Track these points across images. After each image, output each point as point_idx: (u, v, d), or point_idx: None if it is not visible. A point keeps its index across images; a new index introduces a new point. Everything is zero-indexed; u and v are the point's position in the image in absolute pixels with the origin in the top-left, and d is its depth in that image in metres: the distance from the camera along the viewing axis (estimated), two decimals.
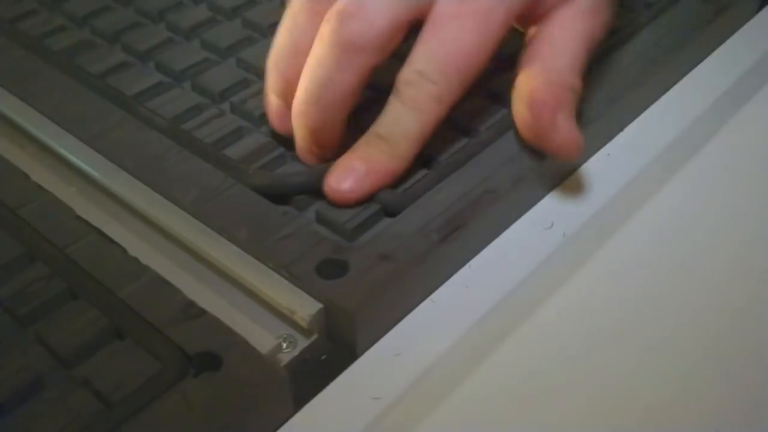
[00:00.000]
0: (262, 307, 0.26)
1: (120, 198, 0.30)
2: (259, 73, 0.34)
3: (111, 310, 0.25)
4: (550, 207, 0.31)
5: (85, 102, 0.33)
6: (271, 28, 0.34)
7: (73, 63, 0.35)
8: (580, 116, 0.30)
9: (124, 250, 0.27)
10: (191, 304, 0.26)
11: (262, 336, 0.26)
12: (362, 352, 0.26)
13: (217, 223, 0.28)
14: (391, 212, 0.28)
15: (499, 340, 0.26)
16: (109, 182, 0.30)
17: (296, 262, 0.26)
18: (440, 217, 0.28)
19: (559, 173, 0.31)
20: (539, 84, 0.29)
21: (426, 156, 0.30)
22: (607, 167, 0.32)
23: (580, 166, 0.32)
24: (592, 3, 0.31)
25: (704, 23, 0.36)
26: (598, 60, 0.34)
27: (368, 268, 0.26)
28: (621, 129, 0.33)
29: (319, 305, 0.26)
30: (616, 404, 0.25)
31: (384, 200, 0.29)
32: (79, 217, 0.29)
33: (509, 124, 0.31)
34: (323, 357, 0.26)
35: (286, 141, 0.31)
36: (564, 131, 0.29)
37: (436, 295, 0.28)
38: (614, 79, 0.33)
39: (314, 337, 0.26)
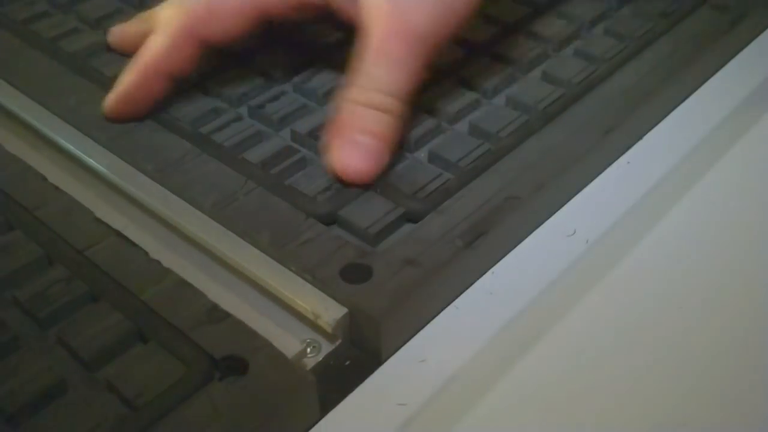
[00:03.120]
0: (285, 311, 0.26)
1: (139, 201, 0.29)
2: (276, 78, 0.34)
3: (133, 313, 0.25)
4: (573, 214, 0.30)
5: (101, 104, 0.33)
6: None
7: (88, 65, 0.35)
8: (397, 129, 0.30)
9: (146, 253, 0.27)
10: (215, 308, 0.25)
11: (286, 340, 0.25)
12: (387, 358, 0.26)
13: (238, 226, 0.28)
14: (413, 218, 0.28)
15: (524, 347, 0.26)
16: (128, 185, 0.30)
17: (320, 266, 0.26)
18: (464, 223, 0.28)
19: (581, 180, 0.31)
20: (340, 99, 0.30)
21: (447, 161, 0.30)
22: (627, 174, 0.32)
23: (601, 173, 0.32)
24: None
25: (721, 33, 0.36)
26: (616, 68, 0.34)
27: (393, 273, 0.26)
28: (640, 137, 0.33)
29: (344, 310, 0.25)
30: (640, 410, 0.25)
31: (407, 205, 0.28)
32: (98, 220, 0.28)
33: (530, 130, 0.31)
34: (347, 362, 0.26)
35: (304, 143, 0.31)
36: (337, 153, 0.29)
37: (460, 301, 0.27)
38: (633, 87, 0.33)
39: (338, 342, 0.26)
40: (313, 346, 0.26)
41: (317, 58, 0.35)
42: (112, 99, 0.32)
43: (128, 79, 0.32)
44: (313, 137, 0.31)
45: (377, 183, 0.29)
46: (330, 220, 0.28)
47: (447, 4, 0.30)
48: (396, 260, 0.26)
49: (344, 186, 0.29)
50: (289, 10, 0.32)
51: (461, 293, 0.28)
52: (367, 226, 0.28)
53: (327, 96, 0.33)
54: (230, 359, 0.24)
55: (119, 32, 0.36)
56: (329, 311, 0.25)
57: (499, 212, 0.28)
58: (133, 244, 0.27)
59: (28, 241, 0.27)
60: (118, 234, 0.28)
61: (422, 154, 0.31)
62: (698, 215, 0.31)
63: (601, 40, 0.36)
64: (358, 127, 0.29)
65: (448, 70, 0.34)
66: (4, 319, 0.25)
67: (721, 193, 0.32)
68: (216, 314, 0.25)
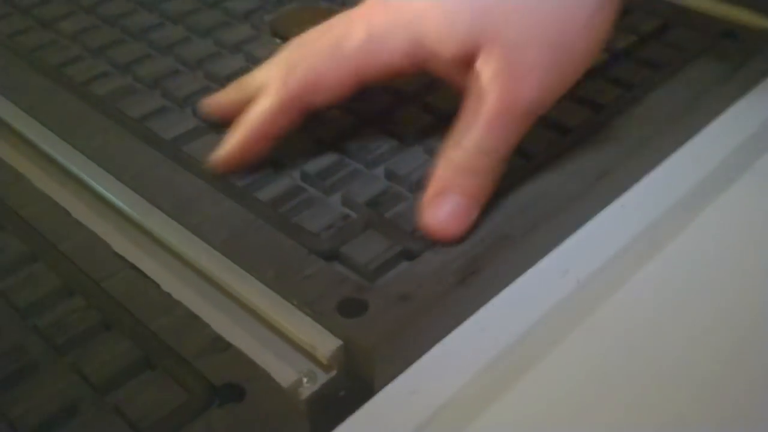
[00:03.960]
0: (285, 343, 0.28)
1: (155, 236, 0.31)
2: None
3: (143, 342, 0.27)
4: (566, 254, 0.32)
5: (125, 144, 0.35)
6: None
7: (114, 107, 0.37)
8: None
9: (158, 285, 0.29)
10: (218, 338, 0.27)
11: (284, 370, 0.27)
12: (379, 389, 0.27)
13: (245, 261, 0.29)
14: (410, 255, 0.30)
15: (513, 382, 0.27)
16: (145, 221, 0.32)
17: (319, 300, 0.28)
18: (458, 261, 0.29)
19: (574, 222, 0.32)
20: (440, 160, 0.31)
21: None
22: (621, 217, 0.33)
23: (594, 216, 0.33)
24: (509, 65, 0.31)
25: (721, 81, 0.37)
26: (615, 114, 0.35)
27: (387, 307, 0.28)
28: (636, 181, 0.34)
29: (339, 342, 0.27)
30: None
31: (405, 244, 0.30)
32: (116, 253, 0.30)
33: (526, 173, 0.33)
34: (342, 393, 0.27)
35: (313, 183, 0.33)
36: (432, 211, 0.30)
37: (452, 336, 0.29)
38: (629, 133, 0.35)
39: (334, 373, 0.27)
40: (310, 377, 0.27)
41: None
42: (221, 158, 0.33)
43: (237, 140, 0.33)
44: (321, 177, 0.33)
45: (377, 221, 0.31)
46: (332, 256, 0.30)
47: (559, 75, 0.31)
48: (391, 295, 0.28)
49: (348, 225, 0.31)
50: (388, 77, 0.33)
51: (454, 329, 0.29)
52: (366, 262, 0.29)
53: (336, 138, 0.35)
54: (229, 387, 0.25)
55: (216, 103, 0.37)
56: (325, 343, 0.27)
57: (492, 251, 0.30)
58: (147, 277, 0.29)
59: (50, 272, 0.29)
60: (134, 267, 0.30)
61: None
62: (689, 259, 0.32)
63: (601, 86, 0.37)
64: (457, 188, 0.31)
65: (447, 117, 0.36)
66: (24, 344, 0.27)
67: (711, 238, 0.33)
68: (219, 344, 0.27)
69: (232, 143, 0.33)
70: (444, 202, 0.30)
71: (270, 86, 0.33)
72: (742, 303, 0.30)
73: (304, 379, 0.27)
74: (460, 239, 0.30)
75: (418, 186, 0.32)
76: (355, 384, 0.27)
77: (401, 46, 0.32)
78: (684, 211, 0.33)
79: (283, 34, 0.41)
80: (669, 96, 0.37)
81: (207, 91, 0.38)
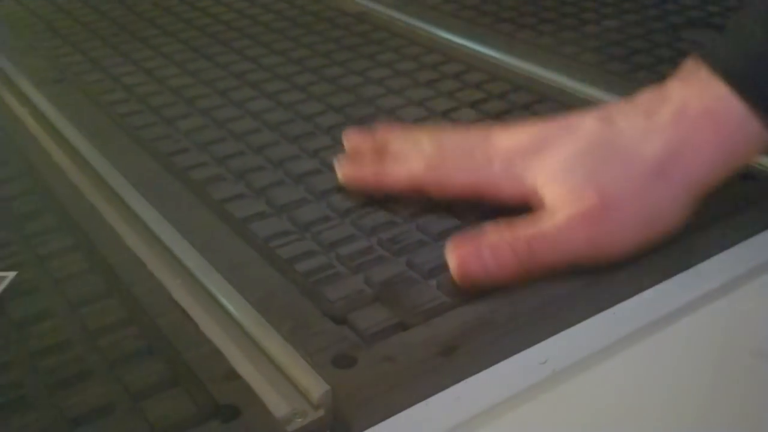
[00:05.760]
0: (286, 382, 0.33)
1: (206, 289, 0.38)
2: (337, 212, 0.43)
3: (174, 366, 0.33)
4: (548, 346, 0.36)
5: (204, 219, 0.43)
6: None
7: (204, 189, 0.45)
8: None
9: (197, 326, 0.36)
10: (232, 371, 0.33)
11: (280, 404, 0.32)
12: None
13: (270, 315, 0.36)
14: (405, 327, 0.35)
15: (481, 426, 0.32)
16: (203, 277, 0.39)
17: (318, 353, 0.34)
18: (443, 336, 0.34)
19: (559, 322, 0.37)
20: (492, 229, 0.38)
21: (450, 289, 0.37)
22: (612, 323, 0.37)
23: (586, 319, 0.37)
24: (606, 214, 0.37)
25: (730, 217, 0.41)
26: None
27: (373, 365, 0.33)
28: (631, 295, 0.38)
29: (328, 387, 0.32)
30: None
31: (402, 317, 0.35)
32: (173, 299, 0.37)
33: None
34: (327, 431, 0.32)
35: (344, 262, 0.39)
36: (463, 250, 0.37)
37: (428, 400, 0.33)
38: None
39: (321, 413, 0.32)
40: (301, 413, 0.32)
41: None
42: (353, 177, 0.44)
43: (364, 174, 0.44)
44: (350, 259, 0.39)
45: (385, 297, 0.36)
46: (340, 320, 0.36)
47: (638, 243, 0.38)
48: (378, 356, 0.33)
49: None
50: (495, 198, 0.41)
51: (432, 395, 0.34)
52: (365, 328, 0.35)
53: (371, 230, 0.41)
54: (230, 408, 0.31)
55: (356, 136, 0.47)
56: (317, 387, 0.33)
57: (475, 332, 0.35)
58: (190, 318, 0.36)
59: (120, 306, 0.37)
60: (183, 310, 0.37)
61: (433, 281, 0.38)
62: (672, 366, 0.35)
63: None
64: (491, 248, 0.37)
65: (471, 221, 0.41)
66: (85, 357, 0.34)
67: (700, 349, 0.36)
68: (231, 375, 0.33)
69: (363, 173, 0.44)
70: (477, 245, 0.37)
71: (411, 164, 0.43)
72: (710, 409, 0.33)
73: (296, 415, 0.32)
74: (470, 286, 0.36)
75: (432, 275, 0.38)
76: (337, 425, 0.32)
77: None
78: (670, 325, 0.37)
79: None
80: None
81: (281, 184, 0.46)
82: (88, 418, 0.31)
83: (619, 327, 0.37)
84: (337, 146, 0.49)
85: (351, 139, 0.47)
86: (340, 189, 0.45)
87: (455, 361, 0.34)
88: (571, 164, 0.39)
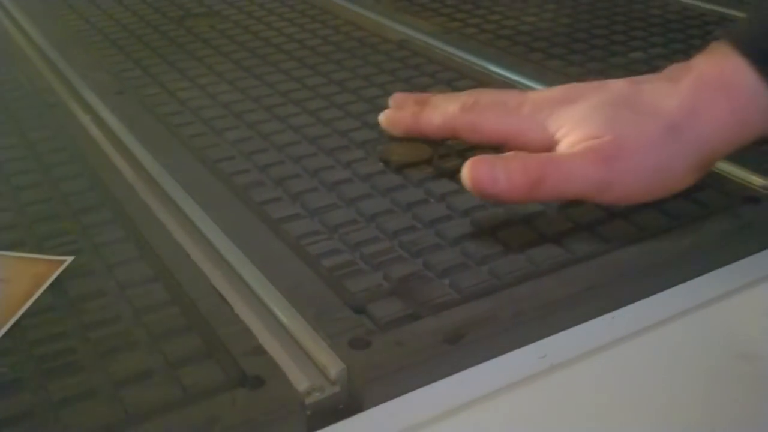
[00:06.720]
0: (308, 359, 0.37)
1: (244, 279, 0.42)
2: (364, 216, 0.47)
3: (209, 341, 0.38)
4: (548, 342, 0.39)
5: (246, 221, 0.47)
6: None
7: (246, 193, 0.50)
8: None
9: (232, 308, 0.40)
10: (260, 347, 0.37)
11: (301, 378, 0.36)
12: (368, 407, 0.36)
13: (297, 302, 0.40)
14: (416, 317, 0.39)
15: (479, 409, 0.36)
16: (241, 269, 0.43)
17: (337, 336, 0.38)
18: (451, 326, 0.38)
19: (559, 323, 0.40)
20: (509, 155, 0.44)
21: (459, 286, 0.40)
22: (610, 326, 0.40)
23: (584, 322, 0.41)
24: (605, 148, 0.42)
25: (730, 236, 0.44)
26: (623, 247, 0.43)
27: (384, 348, 0.37)
28: (630, 302, 0.42)
29: (343, 366, 0.36)
30: None
31: (415, 309, 0.39)
32: (212, 286, 0.42)
33: (529, 277, 0.41)
34: (341, 406, 0.36)
35: (366, 260, 0.43)
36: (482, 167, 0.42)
37: (435, 384, 0.37)
38: (634, 264, 0.42)
39: (337, 389, 0.36)
40: (319, 387, 0.36)
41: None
42: (392, 119, 0.52)
43: (403, 116, 0.52)
44: (372, 257, 0.43)
45: (401, 291, 0.40)
46: (360, 310, 0.40)
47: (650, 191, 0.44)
48: (390, 341, 0.37)
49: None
50: (521, 145, 0.45)
51: (437, 380, 0.37)
52: (381, 317, 0.39)
53: (393, 234, 0.45)
54: (256, 378, 0.35)
55: (393, 115, 0.53)
56: (334, 365, 0.36)
57: (480, 325, 0.38)
58: (226, 302, 0.40)
59: (164, 290, 0.41)
60: (220, 295, 0.41)
61: (446, 280, 0.42)
62: (668, 367, 0.38)
63: (621, 225, 0.45)
64: (506, 167, 0.42)
65: (488, 229, 0.45)
66: (134, 330, 0.38)
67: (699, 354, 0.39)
68: (259, 351, 0.37)
69: (401, 116, 0.52)
70: (493, 160, 0.42)
71: (447, 107, 0.49)
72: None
73: (315, 389, 0.36)
74: (478, 194, 0.43)
75: (444, 274, 0.42)
76: (350, 401, 0.36)
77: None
78: (664, 327, 0.40)
79: (386, 159, 0.53)
80: (678, 240, 0.44)
81: (315, 190, 0.50)
82: (131, 381, 0.36)
83: (616, 330, 0.40)
84: (369, 159, 0.53)
85: (397, 96, 0.53)
86: (369, 196, 0.49)
87: (460, 349, 0.37)
88: (591, 112, 0.43)
